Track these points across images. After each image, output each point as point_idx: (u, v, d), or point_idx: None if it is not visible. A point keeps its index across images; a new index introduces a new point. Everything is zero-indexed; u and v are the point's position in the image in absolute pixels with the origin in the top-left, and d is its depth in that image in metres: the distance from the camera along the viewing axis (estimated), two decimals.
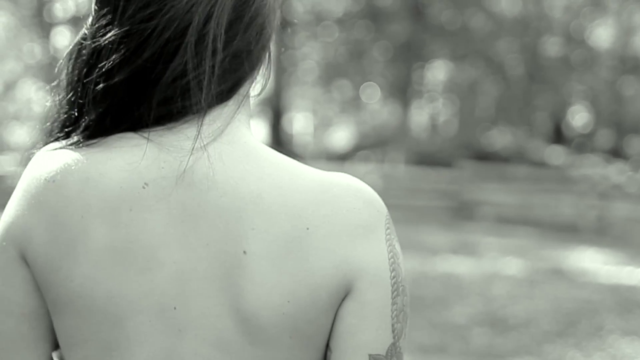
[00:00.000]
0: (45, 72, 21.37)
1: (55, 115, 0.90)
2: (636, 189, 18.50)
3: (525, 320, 5.96)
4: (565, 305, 6.62)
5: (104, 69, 0.84)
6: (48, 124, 0.91)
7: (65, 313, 0.87)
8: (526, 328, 5.74)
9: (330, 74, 21.91)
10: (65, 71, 0.89)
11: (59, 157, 0.87)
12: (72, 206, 0.85)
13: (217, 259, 0.83)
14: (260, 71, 0.90)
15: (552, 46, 21.41)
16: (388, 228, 0.86)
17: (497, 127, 23.81)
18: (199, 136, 0.84)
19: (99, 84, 0.84)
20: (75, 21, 20.96)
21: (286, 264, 0.82)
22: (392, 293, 0.84)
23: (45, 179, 0.87)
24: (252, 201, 0.83)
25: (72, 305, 0.86)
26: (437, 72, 22.68)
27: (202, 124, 0.84)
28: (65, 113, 0.88)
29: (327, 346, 0.86)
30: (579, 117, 24.19)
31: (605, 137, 23.74)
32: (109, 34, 0.84)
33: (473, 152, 21.65)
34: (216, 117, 0.86)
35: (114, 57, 0.84)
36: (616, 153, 22.33)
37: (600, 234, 12.80)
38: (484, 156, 21.47)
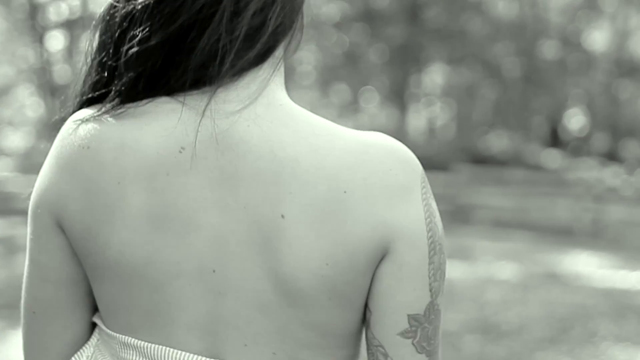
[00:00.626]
0: (38, 76, 21.28)
1: (86, 79, 0.89)
2: (632, 192, 18.46)
3: (518, 327, 5.89)
4: (558, 310, 6.54)
5: (137, 33, 0.83)
6: (78, 87, 0.90)
7: (105, 279, 0.87)
8: (518, 335, 5.66)
9: (326, 78, 21.88)
10: (97, 33, 0.88)
11: (92, 123, 0.86)
12: (108, 173, 0.84)
13: (255, 222, 0.82)
14: (294, 34, 0.89)
15: (548, 49, 21.39)
16: (424, 187, 0.85)
17: (495, 131, 23.79)
18: (235, 99, 0.84)
19: (132, 48, 0.83)
20: (68, 25, 20.89)
21: (324, 227, 0.82)
22: (429, 252, 0.84)
23: (80, 146, 0.86)
24: (289, 165, 0.82)
25: (111, 271, 0.86)
26: (434, 75, 22.63)
27: (237, 86, 0.84)
28: (97, 75, 0.87)
29: (366, 307, 0.86)
30: (575, 121, 24.15)
31: (601, 141, 23.70)
32: None
33: (470, 155, 21.62)
34: (251, 81, 0.85)
35: (148, 22, 0.83)
36: (612, 156, 22.29)
37: (595, 237, 12.74)
38: (481, 160, 21.44)
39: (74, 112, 0.90)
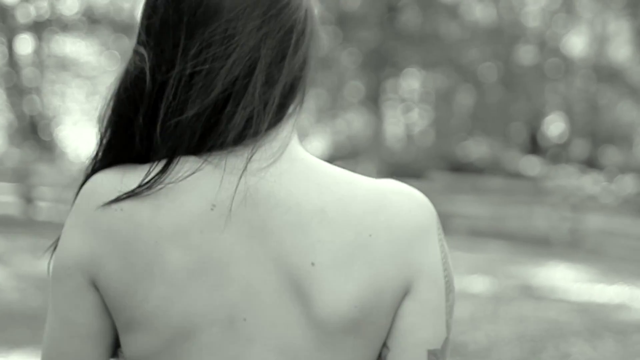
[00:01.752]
0: (5, 79, 20.72)
1: (109, 139, 0.92)
2: (611, 200, 18.20)
3: (486, 347, 5.49)
4: (530, 329, 6.15)
5: (172, 104, 0.88)
6: (97, 145, 0.93)
7: (139, 331, 0.91)
8: (486, 356, 5.26)
9: None
10: (113, 102, 0.91)
11: (123, 183, 0.90)
12: (145, 233, 0.88)
13: (286, 272, 0.87)
14: (305, 89, 0.96)
15: (525, 54, 21.10)
16: (439, 228, 0.91)
17: (473, 138, 23.49)
18: (261, 157, 0.89)
19: (167, 121, 0.88)
20: (36, 27, 20.39)
21: (352, 271, 0.86)
22: (446, 290, 0.90)
23: (113, 208, 0.90)
24: (316, 215, 0.87)
25: (147, 323, 0.90)
26: (410, 80, 22.27)
27: (261, 145, 0.90)
28: (125, 140, 0.91)
29: (384, 345, 0.90)
30: (554, 127, 23.91)
31: (580, 147, 23.47)
32: (174, 71, 0.88)
33: (448, 163, 21.28)
34: (273, 139, 0.90)
35: (183, 94, 0.88)
36: (591, 163, 22.05)
37: (573, 247, 12.41)
38: (459, 167, 21.10)
39: (94, 170, 0.93)
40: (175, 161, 0.89)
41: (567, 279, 8.78)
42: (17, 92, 20.55)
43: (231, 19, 0.88)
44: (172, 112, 0.88)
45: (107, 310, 0.93)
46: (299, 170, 0.90)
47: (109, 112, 0.91)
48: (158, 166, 0.89)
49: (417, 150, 22.03)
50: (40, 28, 20.60)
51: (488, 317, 6.49)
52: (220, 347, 0.89)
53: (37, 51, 21.54)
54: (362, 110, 22.68)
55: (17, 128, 22.77)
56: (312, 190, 0.88)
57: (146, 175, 0.89)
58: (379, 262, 0.87)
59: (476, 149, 23.49)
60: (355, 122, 23.64)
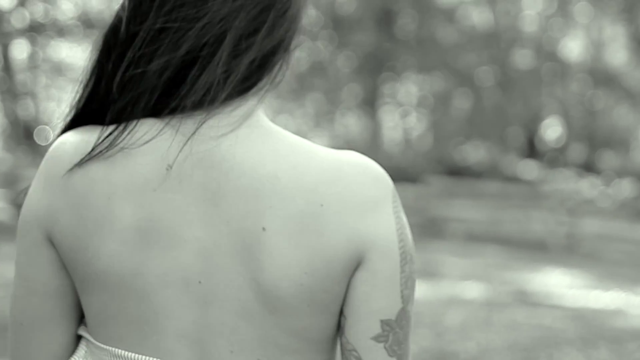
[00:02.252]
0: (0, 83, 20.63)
1: (80, 96, 0.94)
2: (608, 204, 18.11)
3: (478, 356, 5.38)
4: (523, 336, 6.05)
5: (137, 57, 0.89)
6: (72, 103, 0.95)
7: (94, 291, 0.92)
8: None
9: (295, 87, 21.43)
10: (96, 51, 0.93)
11: (83, 141, 0.92)
12: (98, 187, 0.90)
13: (238, 235, 0.88)
14: (281, 68, 0.95)
15: (522, 59, 21.02)
16: (395, 201, 0.92)
17: (471, 142, 23.40)
18: (219, 124, 0.90)
19: (130, 70, 0.89)
20: (31, 32, 20.31)
21: (302, 238, 0.87)
22: (401, 262, 0.90)
23: (70, 162, 0.91)
24: (269, 181, 0.88)
25: (99, 282, 0.91)
26: (407, 85, 22.19)
27: (219, 112, 0.91)
28: (90, 93, 0.93)
29: (341, 313, 0.92)
30: (551, 131, 23.83)
31: (577, 151, 23.39)
32: (146, 24, 0.89)
33: (446, 167, 21.20)
34: (235, 109, 0.91)
35: (148, 47, 0.89)
36: (589, 167, 21.97)
37: (569, 251, 12.31)
38: (457, 171, 21.02)
39: (64, 129, 0.95)
40: (133, 123, 0.89)
41: (562, 285, 8.68)
42: (11, 96, 20.46)
43: None
44: (135, 63, 0.88)
45: (64, 268, 0.94)
46: (257, 136, 0.90)
47: (89, 64, 0.93)
48: (119, 128, 0.90)
49: (414, 155, 21.94)
50: (35, 32, 20.52)
51: (480, 324, 6.39)
52: (177, 310, 0.90)
53: (32, 56, 21.45)
54: (360, 114, 22.60)
55: (10, 133, 22.67)
56: (268, 156, 0.89)
57: (101, 138, 0.90)
58: (329, 232, 0.88)
59: (474, 153, 23.42)
60: (353, 126, 23.56)
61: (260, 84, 0.94)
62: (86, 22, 19.82)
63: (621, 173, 21.57)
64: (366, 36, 17.43)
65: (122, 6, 0.92)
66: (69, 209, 0.91)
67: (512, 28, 20.92)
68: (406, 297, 0.90)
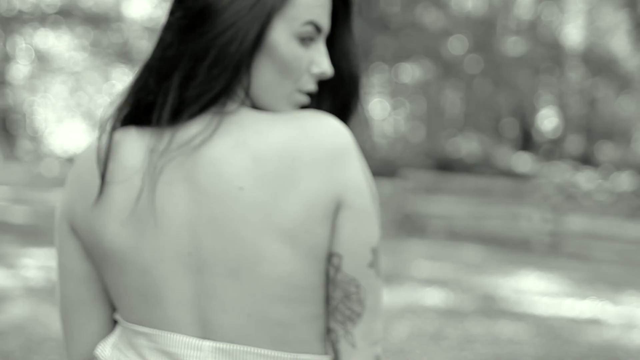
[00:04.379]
0: None
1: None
2: (605, 198, 17.33)
3: None
4: (480, 352, 5.33)
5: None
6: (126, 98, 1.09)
7: (107, 269, 1.07)
8: None
9: None
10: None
11: (94, 142, 1.10)
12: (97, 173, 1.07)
13: (217, 201, 0.99)
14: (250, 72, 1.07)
15: (516, 46, 20.17)
16: (355, 148, 1.03)
17: (463, 134, 22.62)
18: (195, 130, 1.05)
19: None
20: (8, 20, 19.64)
21: (280, 190, 0.98)
22: (372, 198, 1.03)
23: (83, 158, 1.10)
24: (239, 147, 1.00)
25: (108, 260, 1.06)
26: (397, 74, 21.38)
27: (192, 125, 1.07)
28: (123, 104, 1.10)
29: (333, 258, 1.03)
30: (548, 122, 23.01)
31: (575, 143, 22.57)
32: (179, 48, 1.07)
33: (435, 160, 20.41)
34: (203, 120, 1.05)
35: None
36: (586, 160, 21.16)
37: (554, 251, 11.56)
38: (447, 164, 20.23)
39: (113, 127, 1.10)
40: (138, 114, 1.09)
41: (535, 291, 7.93)
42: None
43: None
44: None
45: (90, 255, 1.10)
46: (227, 118, 1.04)
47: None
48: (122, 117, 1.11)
49: (403, 147, 21.19)
50: (12, 21, 19.85)
51: (428, 339, 5.66)
52: (174, 281, 1.03)
53: (10, 45, 20.78)
54: None
55: None
56: (234, 129, 1.02)
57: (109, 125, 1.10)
58: (305, 181, 0.99)
59: (466, 145, 22.64)
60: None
61: (240, 92, 1.09)
62: (64, 9, 19.14)
63: (620, 166, 20.75)
64: None
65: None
66: (81, 198, 1.08)
67: (507, 14, 20.05)
68: (379, 226, 1.05)
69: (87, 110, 26.81)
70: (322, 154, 1.00)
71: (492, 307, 6.96)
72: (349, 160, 1.01)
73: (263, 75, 1.05)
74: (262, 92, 1.06)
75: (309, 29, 1.06)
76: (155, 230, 1.02)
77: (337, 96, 1.13)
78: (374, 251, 1.03)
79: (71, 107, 27.25)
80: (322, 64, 1.08)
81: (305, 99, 1.09)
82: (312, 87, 1.09)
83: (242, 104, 1.06)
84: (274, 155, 0.98)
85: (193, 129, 1.03)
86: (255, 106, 1.08)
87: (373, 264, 1.03)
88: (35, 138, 25.41)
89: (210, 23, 1.02)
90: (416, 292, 7.43)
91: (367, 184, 1.02)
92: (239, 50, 1.02)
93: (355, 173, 1.01)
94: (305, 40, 1.06)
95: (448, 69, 18.01)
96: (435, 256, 10.21)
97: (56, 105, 26.85)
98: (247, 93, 1.06)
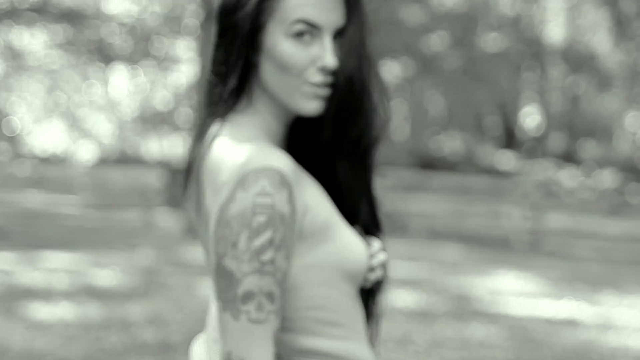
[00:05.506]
0: None
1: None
2: (586, 195, 17.16)
3: None
4: (447, 357, 5.10)
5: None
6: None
7: None
8: None
9: None
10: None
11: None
12: None
13: (204, 201, 1.22)
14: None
15: (496, 42, 19.98)
16: (238, 182, 1.14)
17: (446, 132, 22.43)
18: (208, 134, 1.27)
19: None
20: None
21: (215, 198, 1.17)
22: (216, 223, 1.16)
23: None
24: (210, 167, 1.20)
25: None
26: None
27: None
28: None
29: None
30: (530, 120, 22.86)
31: (557, 141, 22.43)
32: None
33: (418, 158, 20.22)
34: (213, 129, 1.26)
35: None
36: (569, 157, 21.03)
37: (533, 250, 11.36)
38: (430, 162, 20.04)
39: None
40: None
41: (511, 291, 7.71)
42: None
43: None
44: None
45: None
46: (221, 140, 1.23)
47: None
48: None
49: (385, 145, 20.92)
50: None
51: (396, 343, 5.42)
52: (205, 258, 1.28)
53: None
54: None
55: None
56: (216, 149, 1.21)
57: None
58: (221, 194, 1.17)
59: (449, 143, 22.45)
60: None
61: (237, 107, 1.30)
62: (40, 9, 18.77)
63: (603, 163, 20.62)
64: None
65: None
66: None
67: (488, 9, 19.84)
68: (220, 253, 1.13)
69: (65, 109, 26.44)
70: (224, 181, 1.16)
71: (465, 309, 6.73)
72: (224, 189, 1.15)
73: (268, 75, 1.18)
74: (274, 91, 1.19)
75: (300, 26, 1.15)
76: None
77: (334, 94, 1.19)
78: (216, 275, 1.13)
79: (49, 107, 26.86)
80: (323, 57, 1.16)
81: (322, 91, 1.18)
82: (318, 79, 1.16)
83: (262, 104, 1.21)
84: (218, 175, 1.18)
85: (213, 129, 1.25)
86: (277, 104, 1.22)
87: (221, 290, 1.12)
88: (13, 138, 25.01)
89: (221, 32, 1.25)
90: (387, 293, 7.18)
91: (218, 209, 1.14)
92: (239, 56, 1.20)
93: (220, 198, 1.15)
94: (302, 37, 1.15)
95: (428, 65, 17.77)
96: (413, 256, 9.99)
97: (33, 105, 26.46)
98: (266, 93, 1.21)
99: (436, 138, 22.30)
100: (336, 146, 1.21)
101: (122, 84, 26.22)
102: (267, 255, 1.08)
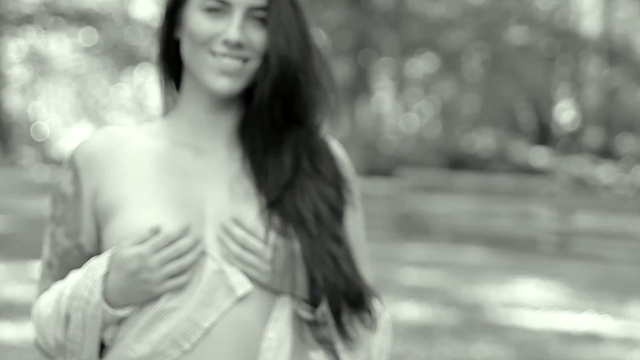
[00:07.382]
0: None
1: None
2: (625, 191, 16.36)
3: None
4: None
5: None
6: None
7: None
8: None
9: None
10: None
11: None
12: None
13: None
14: None
15: (532, 37, 19.24)
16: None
17: (479, 129, 21.77)
18: None
19: None
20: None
21: None
22: None
23: None
24: None
25: None
26: (405, 67, 20.55)
27: None
28: None
29: None
30: (565, 115, 22.06)
31: (594, 136, 21.60)
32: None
33: (448, 157, 19.59)
34: None
35: None
36: (606, 153, 20.20)
37: (562, 252, 10.73)
38: (461, 160, 19.41)
39: None
40: None
41: (529, 301, 7.14)
42: None
43: None
44: None
45: None
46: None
47: None
48: None
49: (415, 144, 20.39)
50: (10, 23, 19.44)
51: (399, 356, 4.93)
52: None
53: (9, 48, 20.39)
54: (352, 101, 21.05)
55: None
56: None
57: None
58: None
59: (481, 140, 21.76)
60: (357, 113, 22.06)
61: None
62: (52, 9, 18.66)
63: None
64: (335, 13, 15.59)
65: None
66: None
67: (522, 3, 19.07)
68: None
69: (93, 112, 26.41)
70: None
71: (474, 323, 6.19)
72: None
73: (185, 50, 1.22)
74: (189, 67, 1.22)
75: (211, 2, 1.19)
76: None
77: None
78: None
79: (77, 110, 26.88)
80: (227, 31, 1.19)
81: (228, 64, 1.19)
82: (221, 49, 1.19)
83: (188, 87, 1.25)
84: None
85: None
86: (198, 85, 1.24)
87: None
88: (42, 143, 25.03)
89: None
90: (393, 306, 6.67)
91: None
92: (163, 31, 1.26)
93: None
94: (212, 12, 1.19)
95: (453, 60, 17.14)
96: (431, 261, 9.46)
97: (61, 109, 26.48)
98: (191, 77, 1.24)
99: (468, 135, 21.65)
100: (278, 125, 1.21)
101: (150, 86, 26.12)
102: (49, 229, 1.23)
